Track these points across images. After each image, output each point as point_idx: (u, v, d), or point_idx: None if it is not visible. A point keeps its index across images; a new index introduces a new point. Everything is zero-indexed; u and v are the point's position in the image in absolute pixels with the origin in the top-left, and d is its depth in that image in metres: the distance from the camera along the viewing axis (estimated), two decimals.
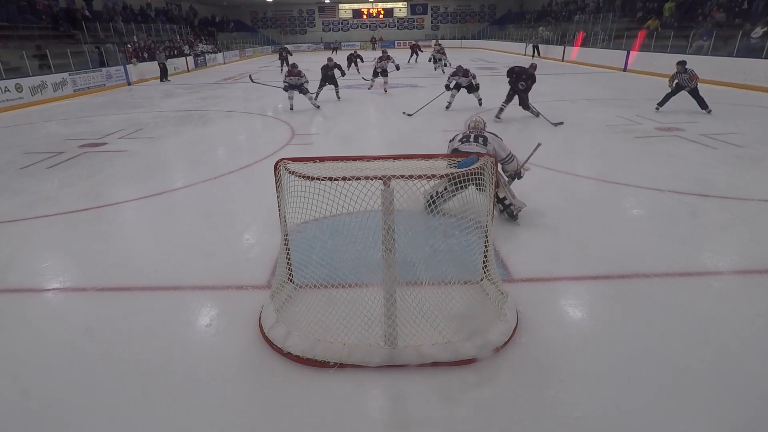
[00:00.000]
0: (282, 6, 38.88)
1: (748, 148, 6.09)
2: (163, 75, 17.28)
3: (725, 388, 2.14)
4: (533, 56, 23.02)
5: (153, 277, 3.24)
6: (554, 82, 14.10)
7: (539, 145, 4.02)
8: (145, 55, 17.95)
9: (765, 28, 11.54)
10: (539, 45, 23.75)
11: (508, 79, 8.13)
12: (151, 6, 25.60)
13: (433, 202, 3.21)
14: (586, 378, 2.22)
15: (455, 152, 3.69)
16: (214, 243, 3.75)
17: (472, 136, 3.84)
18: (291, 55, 19.04)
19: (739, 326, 2.57)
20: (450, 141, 4.04)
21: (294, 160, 2.44)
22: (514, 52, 27.16)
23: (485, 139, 3.80)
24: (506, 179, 3.93)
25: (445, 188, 3.23)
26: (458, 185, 2.52)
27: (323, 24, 40.18)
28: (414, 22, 40.04)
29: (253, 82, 9.81)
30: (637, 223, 4.03)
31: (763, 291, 2.94)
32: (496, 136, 3.93)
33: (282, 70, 18.29)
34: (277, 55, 21.56)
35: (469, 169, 2.41)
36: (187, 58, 21.38)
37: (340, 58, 17.96)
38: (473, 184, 2.53)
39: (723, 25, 13.45)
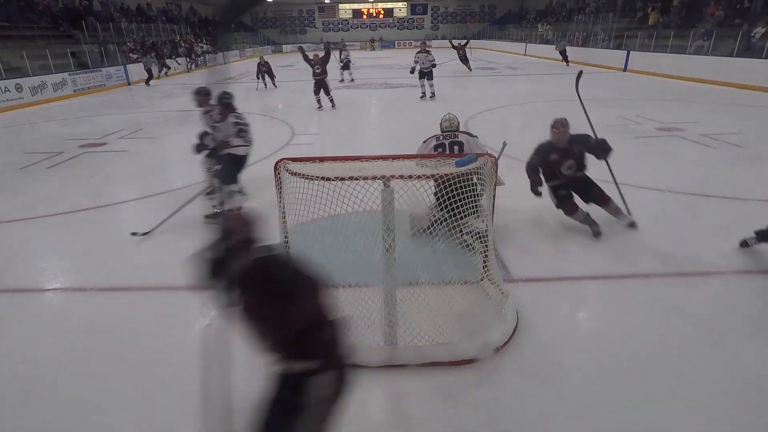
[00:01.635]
0: (282, 6, 38.86)
1: (748, 148, 6.09)
2: (149, 79, 16.66)
3: (725, 388, 2.14)
4: (566, 64, 18.97)
5: (153, 277, 3.24)
6: (554, 82, 14.10)
7: (505, 144, 3.67)
8: (139, 53, 17.92)
9: (766, 28, 11.54)
10: (566, 49, 19.29)
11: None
12: (151, 6, 25.59)
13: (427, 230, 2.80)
14: (586, 378, 2.22)
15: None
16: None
17: (447, 144, 3.52)
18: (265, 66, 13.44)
19: (739, 326, 2.57)
20: (424, 142, 3.71)
21: (294, 160, 2.44)
22: (514, 52, 27.14)
23: (461, 146, 3.51)
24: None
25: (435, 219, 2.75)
26: (459, 189, 2.49)
27: (323, 24, 40.16)
28: (414, 22, 40.02)
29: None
30: (637, 222, 4.03)
31: (763, 291, 2.94)
32: (472, 135, 3.68)
33: (258, 87, 13.67)
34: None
35: (467, 168, 2.41)
36: (188, 58, 21.35)
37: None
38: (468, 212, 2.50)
39: (723, 25, 13.45)
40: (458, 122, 3.78)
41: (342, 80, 14.75)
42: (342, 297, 2.69)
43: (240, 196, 4.39)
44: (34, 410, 2.13)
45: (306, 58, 9.67)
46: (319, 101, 9.83)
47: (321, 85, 9.73)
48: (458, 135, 3.61)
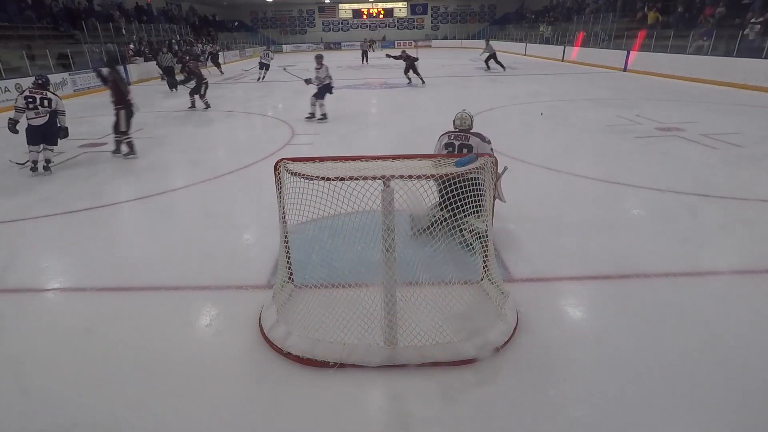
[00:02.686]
0: (282, 6, 38.87)
1: (748, 148, 6.09)
2: (172, 81, 13.46)
3: (725, 388, 2.14)
4: (488, 69, 16.99)
5: (153, 277, 3.24)
6: (554, 82, 14.10)
7: (506, 168, 3.47)
8: (144, 55, 17.67)
9: (760, 19, 11.52)
10: (495, 53, 17.36)
11: None
12: (151, 6, 25.59)
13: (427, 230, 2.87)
14: (586, 378, 2.22)
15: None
16: (214, 243, 3.75)
17: (457, 145, 3.48)
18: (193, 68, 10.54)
19: (739, 326, 2.57)
20: (438, 139, 3.66)
21: (294, 160, 2.44)
22: (514, 52, 27.14)
23: (470, 150, 3.43)
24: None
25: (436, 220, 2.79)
26: (462, 188, 2.49)
27: (323, 24, 40.17)
28: (414, 22, 40.04)
29: None
30: (637, 223, 4.03)
31: (763, 291, 2.94)
32: (483, 140, 3.52)
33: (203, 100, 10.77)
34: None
35: (467, 168, 2.41)
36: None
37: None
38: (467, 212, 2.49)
39: (723, 24, 13.45)
40: (471, 121, 3.64)
41: (260, 78, 15.06)
42: (342, 297, 2.70)
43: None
44: (34, 410, 2.13)
45: (102, 79, 6.82)
46: (117, 144, 6.57)
47: (116, 122, 6.49)
48: (470, 138, 3.49)
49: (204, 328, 2.67)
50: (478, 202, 2.59)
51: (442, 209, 2.65)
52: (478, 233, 2.84)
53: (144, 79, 17.19)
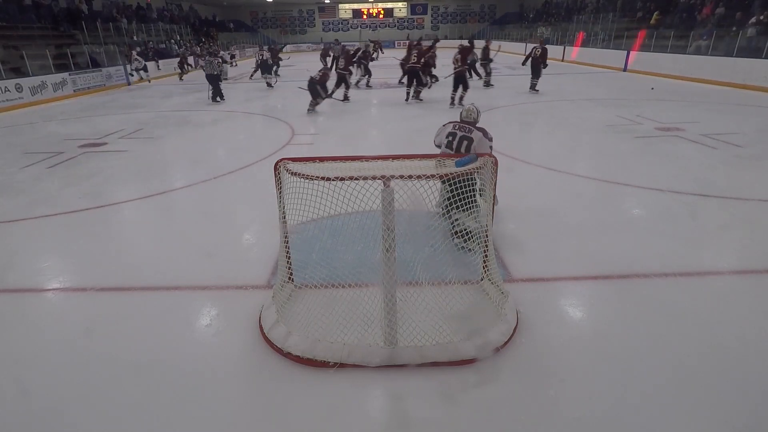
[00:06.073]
0: (282, 6, 38.87)
1: (748, 148, 6.09)
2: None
3: (725, 388, 2.14)
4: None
5: (153, 277, 3.24)
6: (554, 82, 14.09)
7: (495, 197, 3.46)
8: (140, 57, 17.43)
9: (761, 16, 11.51)
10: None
11: None
12: (151, 6, 25.58)
13: (447, 211, 2.91)
14: (586, 378, 2.22)
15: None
16: (214, 243, 3.75)
17: (459, 136, 3.45)
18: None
19: (739, 326, 2.57)
20: (443, 126, 3.65)
21: (294, 160, 2.44)
22: (513, 52, 27.13)
23: (470, 143, 3.38)
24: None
25: (448, 199, 2.82)
26: (457, 188, 2.49)
27: (323, 24, 40.17)
28: (414, 22, 40.04)
29: None
30: (637, 223, 4.03)
31: (763, 291, 2.94)
32: (486, 135, 3.45)
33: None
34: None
35: (467, 168, 2.41)
36: (190, 58, 21.23)
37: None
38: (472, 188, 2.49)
39: (723, 24, 13.45)
40: (477, 114, 3.63)
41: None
42: (342, 297, 2.70)
43: None
44: (34, 410, 2.13)
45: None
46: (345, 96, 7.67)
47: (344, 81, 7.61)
48: (473, 130, 3.46)
49: (204, 328, 2.67)
50: (470, 200, 2.59)
51: (443, 209, 2.66)
52: (472, 232, 2.84)
53: (144, 79, 17.17)
